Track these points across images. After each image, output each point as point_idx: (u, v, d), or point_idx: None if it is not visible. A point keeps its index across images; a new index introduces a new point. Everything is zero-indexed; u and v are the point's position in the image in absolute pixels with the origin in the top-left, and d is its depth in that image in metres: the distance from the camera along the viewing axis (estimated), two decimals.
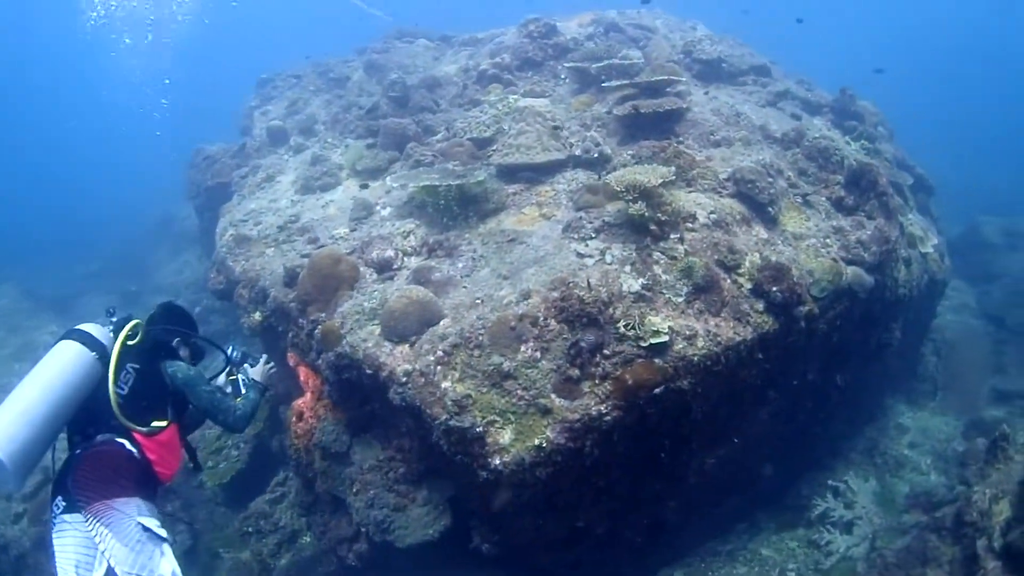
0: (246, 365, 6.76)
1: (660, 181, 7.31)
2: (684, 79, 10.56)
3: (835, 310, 8.48)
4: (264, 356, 7.00)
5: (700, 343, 6.97)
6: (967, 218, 18.56)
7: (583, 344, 6.66)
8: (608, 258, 7.35)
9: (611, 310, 6.91)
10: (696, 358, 6.89)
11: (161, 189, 25.37)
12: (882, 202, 9.15)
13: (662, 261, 7.36)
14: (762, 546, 9.49)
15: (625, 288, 7.08)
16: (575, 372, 6.63)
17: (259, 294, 9.77)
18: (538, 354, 6.75)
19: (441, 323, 7.31)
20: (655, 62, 11.12)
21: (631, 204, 7.29)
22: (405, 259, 8.63)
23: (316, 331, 8.10)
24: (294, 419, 9.11)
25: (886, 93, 15.92)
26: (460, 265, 8.13)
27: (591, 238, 7.66)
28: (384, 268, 8.52)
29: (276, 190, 12.40)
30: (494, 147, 9.81)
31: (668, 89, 10.19)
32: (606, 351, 6.72)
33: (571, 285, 7.03)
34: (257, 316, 9.87)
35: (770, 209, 8.41)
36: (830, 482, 10.74)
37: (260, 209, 11.82)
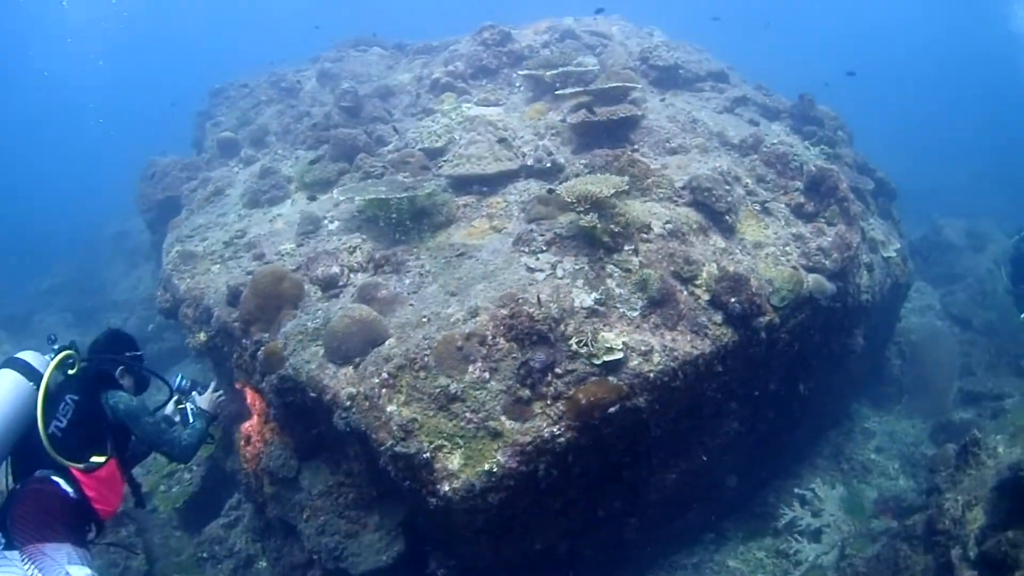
0: (194, 393, 6.48)
1: (613, 191, 7.03)
2: (639, 86, 10.31)
3: (796, 319, 8.25)
4: (213, 384, 6.71)
5: (656, 359, 6.70)
6: (928, 220, 18.50)
7: (533, 363, 6.35)
8: (559, 272, 7.05)
9: (563, 327, 6.62)
10: (652, 374, 6.63)
11: (117, 202, 24.73)
12: (843, 208, 8.95)
13: (616, 274, 7.08)
14: (729, 557, 9.27)
15: (577, 303, 6.79)
16: (526, 393, 6.33)
17: (203, 313, 9.41)
18: (487, 375, 6.45)
19: (386, 343, 6.99)
20: (610, 69, 10.86)
21: (583, 216, 7.00)
22: (351, 275, 8.26)
23: (259, 352, 7.77)
24: (242, 442, 8.76)
25: (846, 96, 15.83)
26: (407, 281, 7.80)
27: (542, 251, 7.36)
28: (329, 285, 8.16)
29: (224, 204, 12.00)
30: (445, 158, 9.49)
31: (623, 96, 9.94)
32: (558, 370, 6.42)
33: (520, 301, 6.72)
34: (202, 336, 9.50)
35: (727, 218, 8.17)
36: (796, 490, 10.54)
37: (208, 224, 11.42)
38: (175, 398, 6.34)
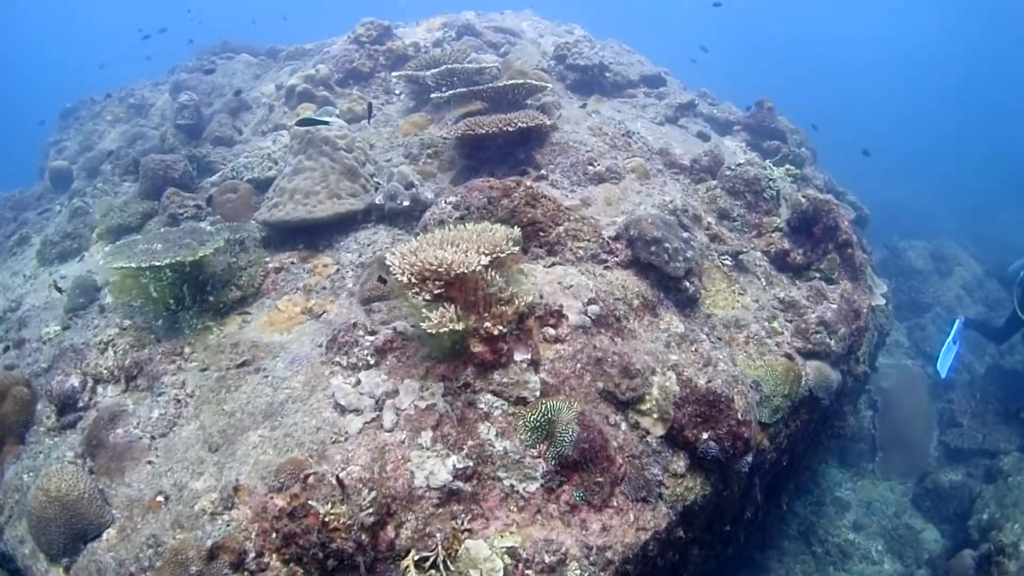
0: None
1: (489, 259, 3.41)
2: (550, 86, 6.66)
3: (790, 429, 4.87)
4: None
5: (573, 572, 3.14)
6: (884, 240, 15.17)
7: None
8: (388, 417, 3.36)
9: (388, 532, 3.01)
10: None
11: None
12: (845, 256, 5.49)
13: (496, 412, 3.43)
14: None
15: (420, 480, 3.16)
16: None
17: None
18: None
19: (104, 536, 3.53)
20: (515, 68, 7.26)
21: (430, 311, 3.33)
22: (97, 390, 4.63)
23: None
24: None
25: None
26: (155, 413, 4.11)
27: (367, 366, 3.66)
28: (67, 405, 4.60)
29: (24, 257, 8.22)
30: (267, 194, 5.76)
31: (528, 101, 6.36)
32: None
33: (310, 483, 3.09)
34: None
35: (687, 283, 4.59)
36: None
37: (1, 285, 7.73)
38: None
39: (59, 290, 5.81)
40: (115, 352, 4.80)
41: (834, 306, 5.12)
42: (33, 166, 12.16)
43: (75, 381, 4.75)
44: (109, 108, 11.39)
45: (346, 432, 3.34)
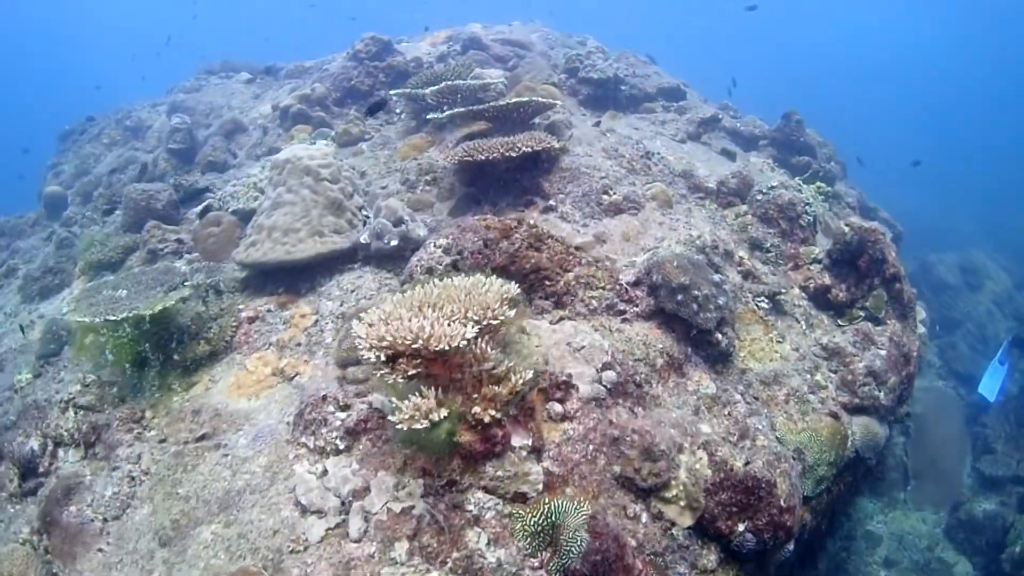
0: None
1: (477, 329, 2.74)
2: (560, 103, 5.98)
3: (832, 494, 4.17)
4: None
5: None
6: (911, 254, 14.35)
7: None
8: (355, 524, 2.70)
9: None
10: None
11: None
12: (893, 291, 4.77)
13: (488, 515, 2.75)
14: None
15: None
16: None
17: None
18: None
19: None
20: (523, 83, 6.59)
21: (404, 395, 2.67)
22: (59, 453, 4.05)
23: None
24: None
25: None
26: (110, 491, 3.51)
27: (336, 451, 3.01)
28: (28, 470, 4.05)
29: (9, 292, 7.70)
30: (246, 230, 5.13)
31: (536, 119, 5.70)
32: None
33: None
34: None
35: (719, 335, 3.88)
36: None
37: None
38: None
39: (23, 331, 5.24)
40: (75, 413, 4.21)
41: (883, 352, 4.40)
42: (34, 190, 11.69)
43: (35, 444, 4.22)
44: (107, 131, 10.86)
45: (306, 540, 2.69)
